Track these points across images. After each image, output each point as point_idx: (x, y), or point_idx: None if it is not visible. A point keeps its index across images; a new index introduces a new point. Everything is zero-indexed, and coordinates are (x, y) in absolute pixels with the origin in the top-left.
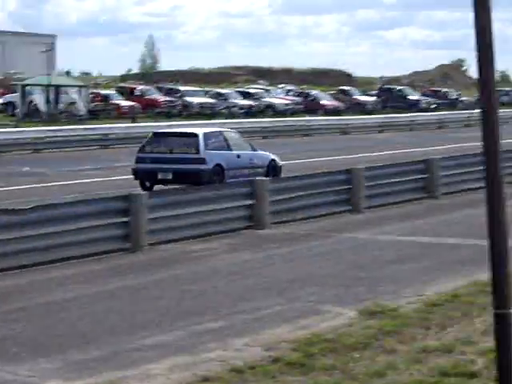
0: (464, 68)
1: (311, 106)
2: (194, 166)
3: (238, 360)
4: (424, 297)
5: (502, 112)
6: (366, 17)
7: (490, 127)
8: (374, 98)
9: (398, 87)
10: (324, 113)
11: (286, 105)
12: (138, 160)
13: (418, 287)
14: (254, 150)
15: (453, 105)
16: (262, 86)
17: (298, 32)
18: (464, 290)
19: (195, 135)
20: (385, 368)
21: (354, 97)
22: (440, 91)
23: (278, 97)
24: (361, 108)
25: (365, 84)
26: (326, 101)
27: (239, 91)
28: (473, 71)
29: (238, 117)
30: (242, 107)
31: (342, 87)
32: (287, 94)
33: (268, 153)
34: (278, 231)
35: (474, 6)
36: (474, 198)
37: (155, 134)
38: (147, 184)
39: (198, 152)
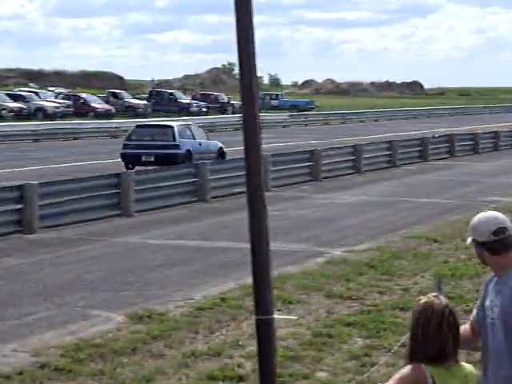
0: (235, 72)
1: (82, 109)
2: (171, 150)
3: (6, 366)
4: (193, 301)
5: (268, 116)
6: (138, 20)
7: (251, 132)
8: (144, 102)
9: (169, 90)
10: (95, 116)
11: (57, 108)
12: (125, 146)
13: (187, 291)
14: (209, 139)
15: (223, 108)
16: (32, 89)
17: (70, 34)
18: (232, 294)
19: (171, 126)
20: (153, 373)
21: (125, 100)
22: (211, 95)
23: (49, 99)
24: (132, 111)
25: (136, 87)
26: (97, 104)
27: (9, 94)
28: None
29: (8, 119)
30: (12, 110)
31: (112, 90)
32: (57, 97)
33: (217, 142)
34: (47, 236)
35: (235, 12)
36: (244, 201)
37: (138, 125)
38: (130, 166)
39: (174, 139)
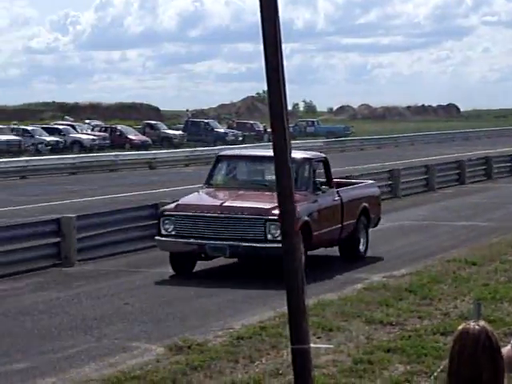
0: None
1: (118, 141)
2: None
3: None
4: (232, 330)
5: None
6: (172, 50)
7: (281, 160)
8: (180, 132)
9: (205, 120)
10: (131, 147)
11: (93, 140)
12: None
13: (226, 321)
14: None
15: (259, 136)
16: (68, 122)
17: (104, 67)
18: (271, 322)
19: None
20: None
21: (162, 130)
22: (246, 123)
23: (85, 132)
24: (168, 142)
25: (172, 117)
26: (133, 135)
27: (45, 127)
28: None
29: (45, 153)
30: (48, 143)
31: (148, 121)
32: (93, 130)
33: None
34: (85, 268)
35: (263, 42)
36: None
37: None
38: None
39: None
